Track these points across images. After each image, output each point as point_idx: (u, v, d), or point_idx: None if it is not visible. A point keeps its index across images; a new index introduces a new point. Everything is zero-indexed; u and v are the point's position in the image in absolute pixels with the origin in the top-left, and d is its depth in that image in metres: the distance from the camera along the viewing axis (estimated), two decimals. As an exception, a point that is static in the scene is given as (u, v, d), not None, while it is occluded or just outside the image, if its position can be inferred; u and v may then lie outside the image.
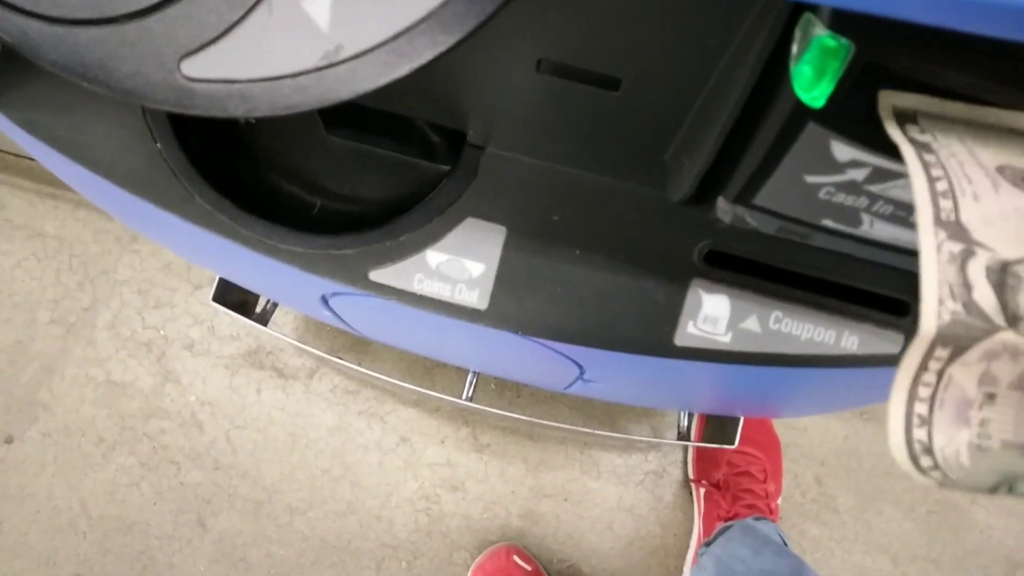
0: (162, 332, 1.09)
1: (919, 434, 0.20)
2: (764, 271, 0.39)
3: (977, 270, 0.20)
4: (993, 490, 0.21)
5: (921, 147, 0.22)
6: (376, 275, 0.41)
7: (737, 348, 0.40)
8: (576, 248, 0.40)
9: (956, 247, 0.21)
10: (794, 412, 0.57)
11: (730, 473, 0.96)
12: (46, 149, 0.42)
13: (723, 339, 0.40)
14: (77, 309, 1.08)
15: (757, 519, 0.90)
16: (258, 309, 0.96)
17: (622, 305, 0.40)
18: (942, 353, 0.20)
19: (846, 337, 0.39)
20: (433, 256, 0.41)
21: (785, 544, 0.86)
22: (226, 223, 0.42)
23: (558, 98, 0.33)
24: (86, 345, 1.07)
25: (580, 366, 0.50)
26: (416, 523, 1.04)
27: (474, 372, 0.89)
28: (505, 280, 0.40)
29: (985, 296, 0.20)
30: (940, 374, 0.20)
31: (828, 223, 0.29)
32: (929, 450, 0.20)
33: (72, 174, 0.46)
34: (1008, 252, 0.21)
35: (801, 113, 0.25)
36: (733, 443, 0.78)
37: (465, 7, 0.22)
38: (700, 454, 1.01)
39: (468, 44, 0.23)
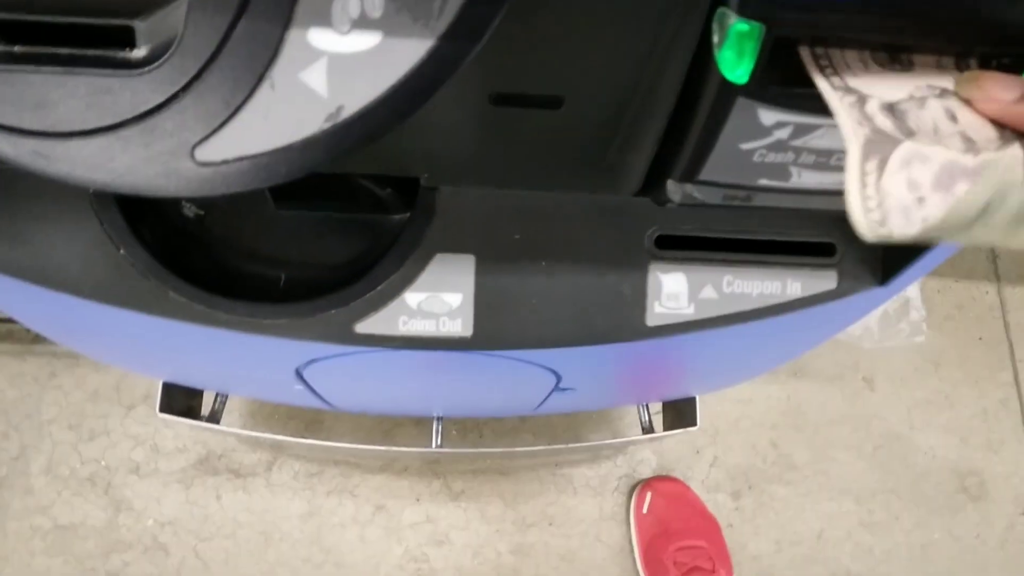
0: (103, 462, 1.04)
1: (882, 231, 0.25)
2: (710, 243, 0.44)
3: (873, 108, 0.27)
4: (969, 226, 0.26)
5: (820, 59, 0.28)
6: (362, 327, 0.43)
7: (701, 316, 0.44)
8: (542, 260, 0.43)
9: (851, 98, 0.27)
10: (755, 370, 0.62)
11: (680, 574, 0.98)
12: (3, 282, 0.42)
13: (687, 311, 0.44)
14: (6, 460, 1.02)
15: None
16: (205, 412, 0.94)
17: (594, 302, 0.44)
18: (871, 167, 0.25)
19: (790, 284, 0.44)
20: (412, 297, 0.43)
21: None
22: (204, 311, 0.43)
23: (505, 127, 0.37)
24: (24, 495, 1.01)
25: (557, 375, 0.53)
26: (411, 587, 1.03)
27: (438, 420, 0.90)
28: (484, 304, 0.43)
29: (884, 123, 0.26)
30: (877, 188, 0.25)
31: (764, 182, 0.34)
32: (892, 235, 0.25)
33: (23, 300, 0.46)
34: (889, 97, 0.27)
35: (729, 91, 0.29)
36: (695, 424, 0.82)
37: (446, 53, 0.25)
38: (647, 559, 1.02)
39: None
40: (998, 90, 0.25)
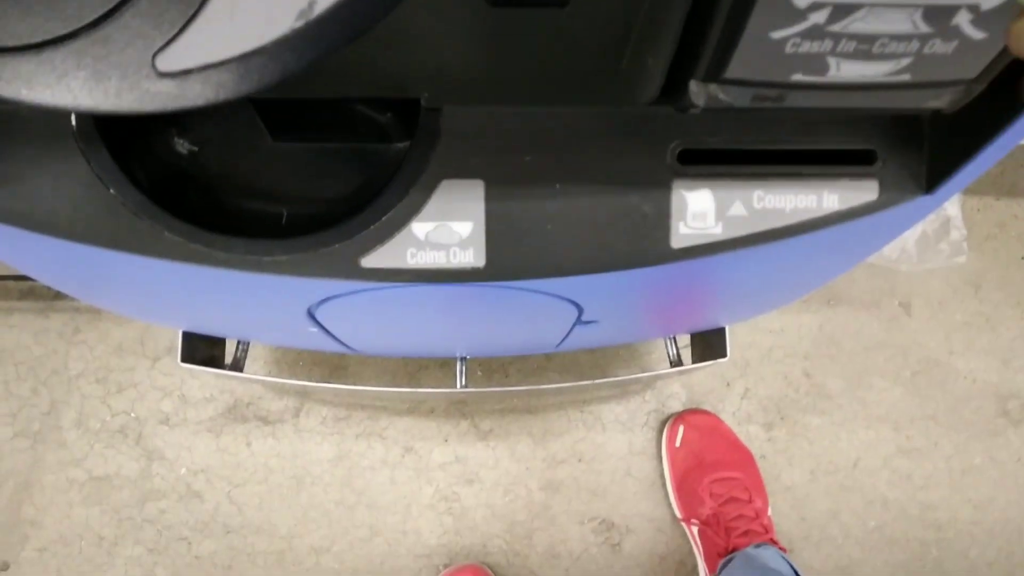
0: (133, 414, 1.05)
1: None
2: (738, 156, 0.40)
3: None
4: None
5: None
6: (368, 261, 0.41)
7: (730, 235, 0.41)
8: (556, 182, 0.40)
9: None
10: (789, 295, 0.59)
11: (716, 505, 0.97)
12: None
13: (715, 231, 0.41)
14: (38, 416, 1.04)
15: (757, 546, 0.92)
16: (228, 360, 0.94)
17: (613, 225, 0.41)
18: None
19: (826, 197, 0.41)
20: (419, 227, 0.40)
21: (790, 566, 0.87)
22: (202, 251, 0.41)
23: (507, 32, 0.33)
24: (58, 449, 1.03)
25: (579, 306, 0.51)
26: (442, 526, 1.03)
27: (461, 360, 0.89)
28: (496, 232, 0.41)
29: None
30: None
31: (798, 77, 0.31)
32: None
33: (26, 250, 0.44)
34: None
35: (758, -33, 0.26)
36: (725, 355, 0.80)
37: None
38: (681, 492, 1.01)
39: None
40: None
